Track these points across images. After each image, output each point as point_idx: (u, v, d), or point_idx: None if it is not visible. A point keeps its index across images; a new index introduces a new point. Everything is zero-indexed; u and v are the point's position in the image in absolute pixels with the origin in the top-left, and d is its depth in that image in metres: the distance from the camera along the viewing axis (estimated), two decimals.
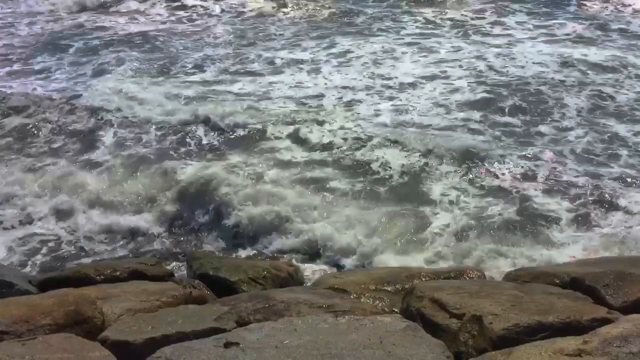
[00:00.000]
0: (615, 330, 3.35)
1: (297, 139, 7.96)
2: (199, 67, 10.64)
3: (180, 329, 3.71)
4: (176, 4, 15.03)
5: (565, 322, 3.62)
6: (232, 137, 8.18)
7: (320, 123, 8.26)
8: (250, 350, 3.33)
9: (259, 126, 8.23)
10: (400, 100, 8.94)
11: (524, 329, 3.57)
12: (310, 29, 12.89)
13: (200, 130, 8.28)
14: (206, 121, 8.43)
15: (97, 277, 4.91)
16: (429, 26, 13.04)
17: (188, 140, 8.12)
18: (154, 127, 8.43)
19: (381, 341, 3.45)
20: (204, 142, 8.09)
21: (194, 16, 14.30)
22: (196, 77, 10.20)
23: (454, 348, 3.62)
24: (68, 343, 3.49)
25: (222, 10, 14.61)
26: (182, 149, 7.94)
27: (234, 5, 14.83)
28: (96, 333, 3.77)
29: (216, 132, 8.22)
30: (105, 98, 9.24)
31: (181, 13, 14.50)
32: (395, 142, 7.62)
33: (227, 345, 3.37)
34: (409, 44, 11.76)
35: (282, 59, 10.97)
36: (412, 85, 9.52)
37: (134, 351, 3.52)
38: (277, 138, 8.01)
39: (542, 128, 8.01)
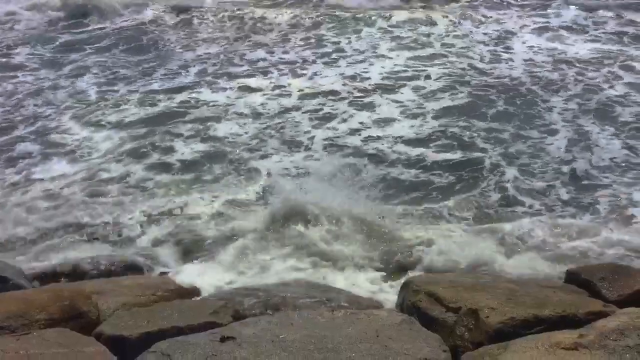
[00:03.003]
0: (612, 324, 3.36)
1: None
2: (172, 79, 9.90)
3: (176, 323, 3.70)
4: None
5: (561, 315, 3.63)
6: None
7: (285, 148, 7.47)
8: (247, 344, 3.32)
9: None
10: (376, 111, 8.44)
11: (520, 323, 3.58)
12: (302, 27, 12.74)
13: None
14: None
15: (93, 271, 4.90)
16: (422, 21, 13.01)
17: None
18: None
19: (377, 335, 3.45)
20: None
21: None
22: (162, 98, 9.04)
23: (450, 342, 3.62)
24: (63, 338, 3.48)
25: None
26: None
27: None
28: (91, 328, 3.76)
29: None
30: None
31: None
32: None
33: (223, 339, 3.37)
34: (396, 38, 11.71)
35: (263, 59, 10.80)
36: (390, 90, 9.26)
37: (130, 346, 3.51)
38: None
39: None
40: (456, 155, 7.29)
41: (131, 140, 7.75)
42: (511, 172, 6.85)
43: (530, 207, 6.30)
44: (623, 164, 7.04)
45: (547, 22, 12.43)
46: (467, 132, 7.81)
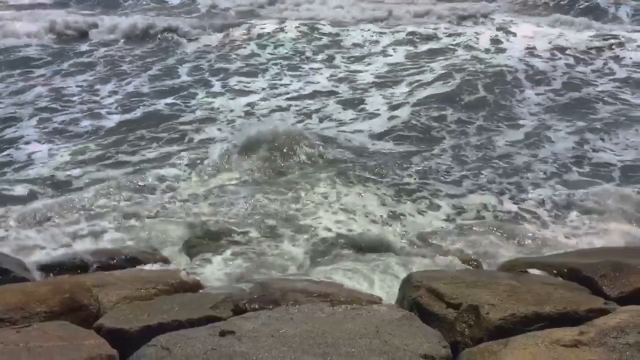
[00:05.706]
0: (612, 321, 3.35)
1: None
2: (163, 78, 9.97)
3: (176, 317, 3.70)
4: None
5: (562, 312, 3.62)
6: None
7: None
8: (246, 339, 3.32)
9: None
10: (364, 112, 8.52)
11: (521, 319, 3.57)
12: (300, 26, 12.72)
13: None
14: None
15: (93, 264, 4.89)
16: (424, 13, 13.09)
17: None
18: None
19: (377, 330, 3.44)
20: None
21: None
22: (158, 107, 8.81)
23: (451, 338, 3.61)
24: (63, 331, 3.48)
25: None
26: None
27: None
28: (91, 321, 3.76)
29: None
30: None
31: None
32: None
33: (223, 333, 3.37)
34: (398, 32, 11.75)
35: (257, 56, 10.73)
36: (380, 86, 9.28)
37: (129, 339, 3.51)
38: None
39: None
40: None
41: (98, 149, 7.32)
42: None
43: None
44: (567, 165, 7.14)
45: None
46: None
